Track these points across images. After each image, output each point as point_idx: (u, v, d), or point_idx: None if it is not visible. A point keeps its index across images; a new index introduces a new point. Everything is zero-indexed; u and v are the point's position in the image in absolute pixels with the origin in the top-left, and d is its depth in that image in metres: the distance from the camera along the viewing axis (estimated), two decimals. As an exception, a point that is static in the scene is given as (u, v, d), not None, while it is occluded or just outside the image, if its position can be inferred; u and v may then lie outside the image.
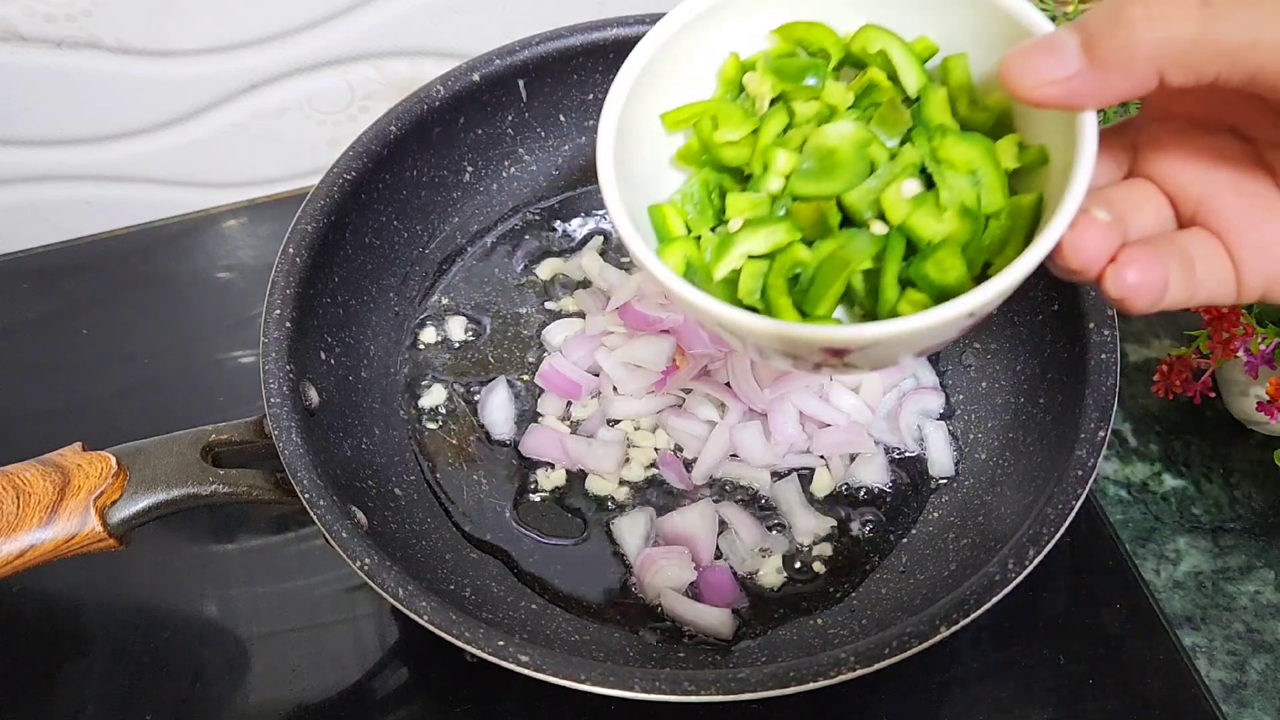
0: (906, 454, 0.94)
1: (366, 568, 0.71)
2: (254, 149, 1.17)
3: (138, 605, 0.93)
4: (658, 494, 0.93)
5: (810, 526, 0.90)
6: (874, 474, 0.93)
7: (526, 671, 0.67)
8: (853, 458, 0.93)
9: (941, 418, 0.95)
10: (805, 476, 0.93)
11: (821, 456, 0.93)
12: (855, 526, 0.91)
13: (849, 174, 0.58)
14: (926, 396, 0.96)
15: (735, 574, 0.88)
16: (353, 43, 1.09)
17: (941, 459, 0.93)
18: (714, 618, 0.84)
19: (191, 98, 1.10)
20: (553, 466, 0.94)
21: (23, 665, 0.91)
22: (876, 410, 0.95)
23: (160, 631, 0.92)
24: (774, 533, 0.90)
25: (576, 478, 0.94)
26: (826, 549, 0.89)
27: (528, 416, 0.97)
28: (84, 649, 0.91)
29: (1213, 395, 0.97)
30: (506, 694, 0.87)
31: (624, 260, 1.05)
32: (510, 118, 1.04)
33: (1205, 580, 0.93)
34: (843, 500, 0.92)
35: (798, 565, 0.89)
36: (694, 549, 0.88)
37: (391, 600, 0.70)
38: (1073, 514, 0.73)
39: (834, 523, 0.90)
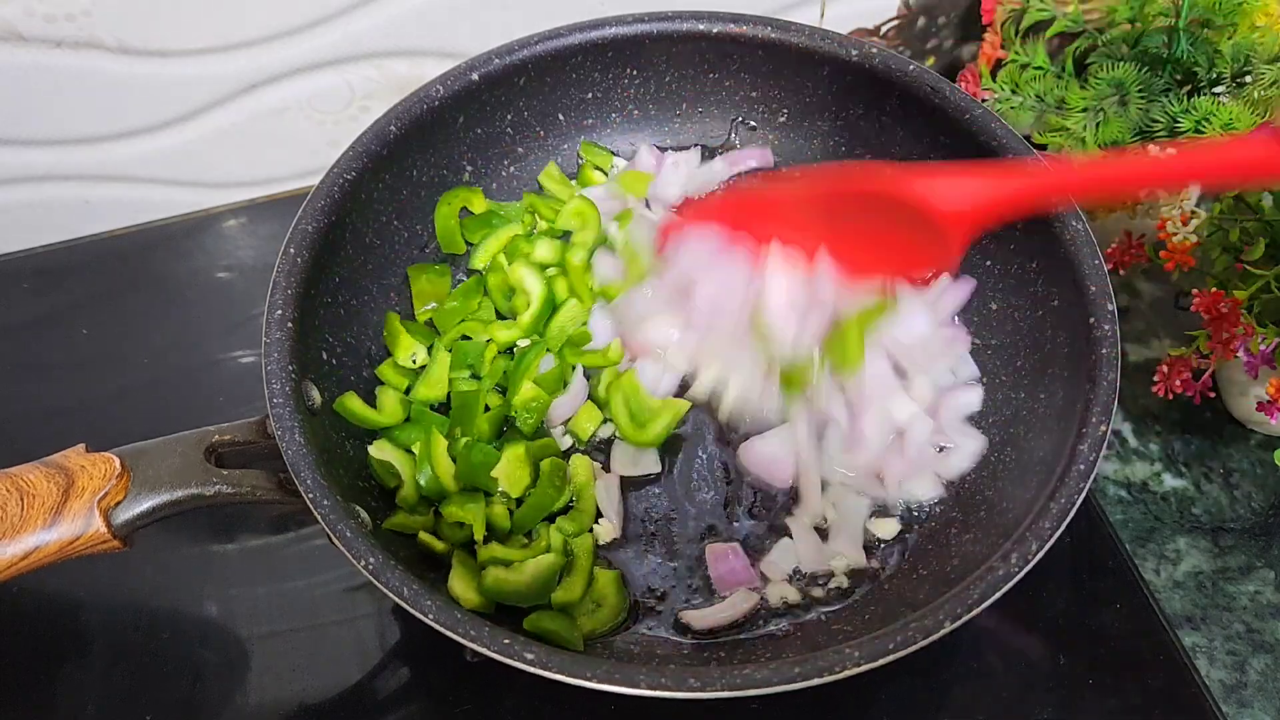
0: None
1: (371, 567, 0.71)
2: (254, 149, 1.17)
3: (138, 605, 0.93)
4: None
5: (848, 556, 0.88)
6: (927, 489, 0.91)
7: (533, 669, 0.67)
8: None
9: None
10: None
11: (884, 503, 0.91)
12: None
13: None
14: (967, 393, 0.95)
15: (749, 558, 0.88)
16: (353, 43, 1.09)
17: (962, 465, 0.91)
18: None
19: (191, 98, 1.10)
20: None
21: (23, 665, 0.90)
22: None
23: (160, 631, 0.92)
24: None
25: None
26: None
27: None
28: (84, 649, 0.91)
29: (1213, 395, 0.98)
30: (506, 694, 0.87)
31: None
32: (509, 117, 1.04)
33: (1205, 580, 0.93)
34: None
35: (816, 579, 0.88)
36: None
37: (396, 599, 0.70)
38: (1075, 508, 0.73)
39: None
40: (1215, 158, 0.66)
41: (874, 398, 0.92)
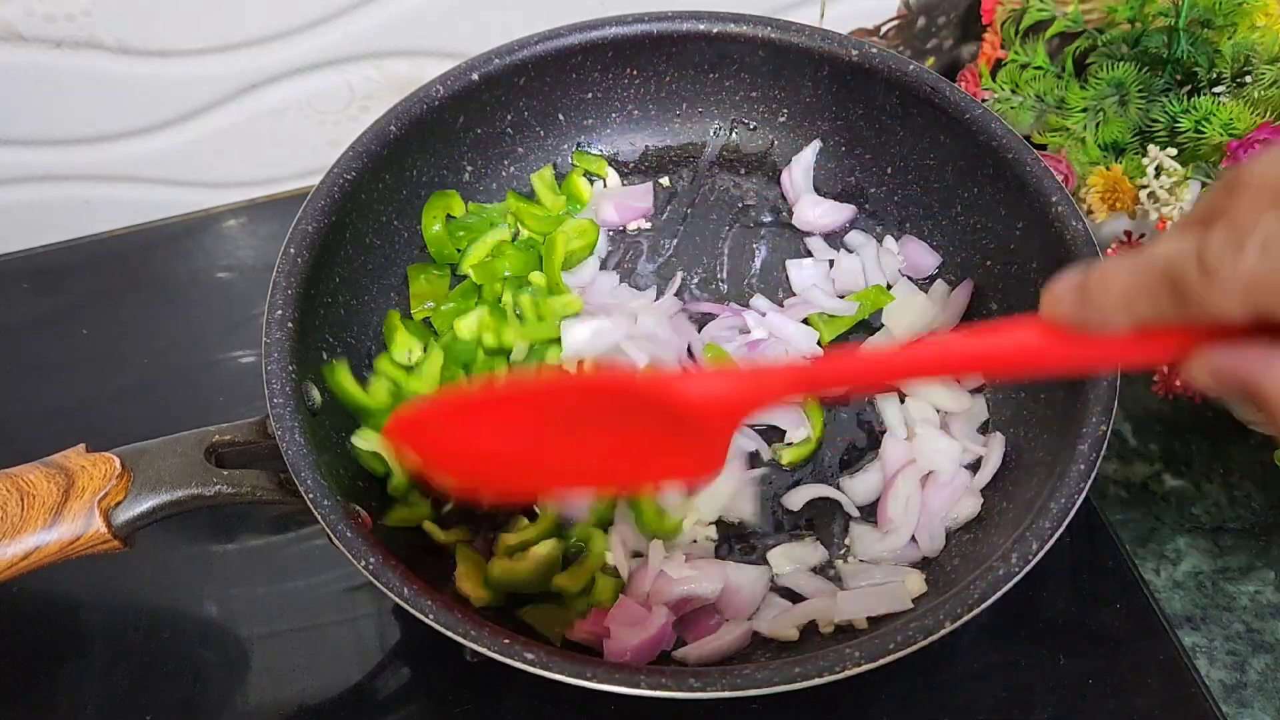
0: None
1: (371, 567, 0.71)
2: (254, 149, 1.17)
3: (138, 605, 0.93)
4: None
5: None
6: (970, 507, 0.89)
7: (533, 670, 0.67)
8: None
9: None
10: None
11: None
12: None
13: None
14: (975, 402, 0.94)
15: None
16: (353, 43, 1.09)
17: (994, 469, 0.90)
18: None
19: (191, 98, 1.10)
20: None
21: (23, 665, 0.91)
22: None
23: (160, 631, 0.92)
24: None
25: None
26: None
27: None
28: (84, 649, 0.91)
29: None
30: (507, 694, 0.87)
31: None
32: (509, 117, 1.04)
33: (1205, 580, 0.93)
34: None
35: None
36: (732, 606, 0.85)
37: (396, 599, 0.70)
38: (1075, 508, 0.73)
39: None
40: (984, 345, 0.55)
41: (897, 469, 0.90)
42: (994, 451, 0.89)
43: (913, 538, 0.87)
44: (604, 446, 0.66)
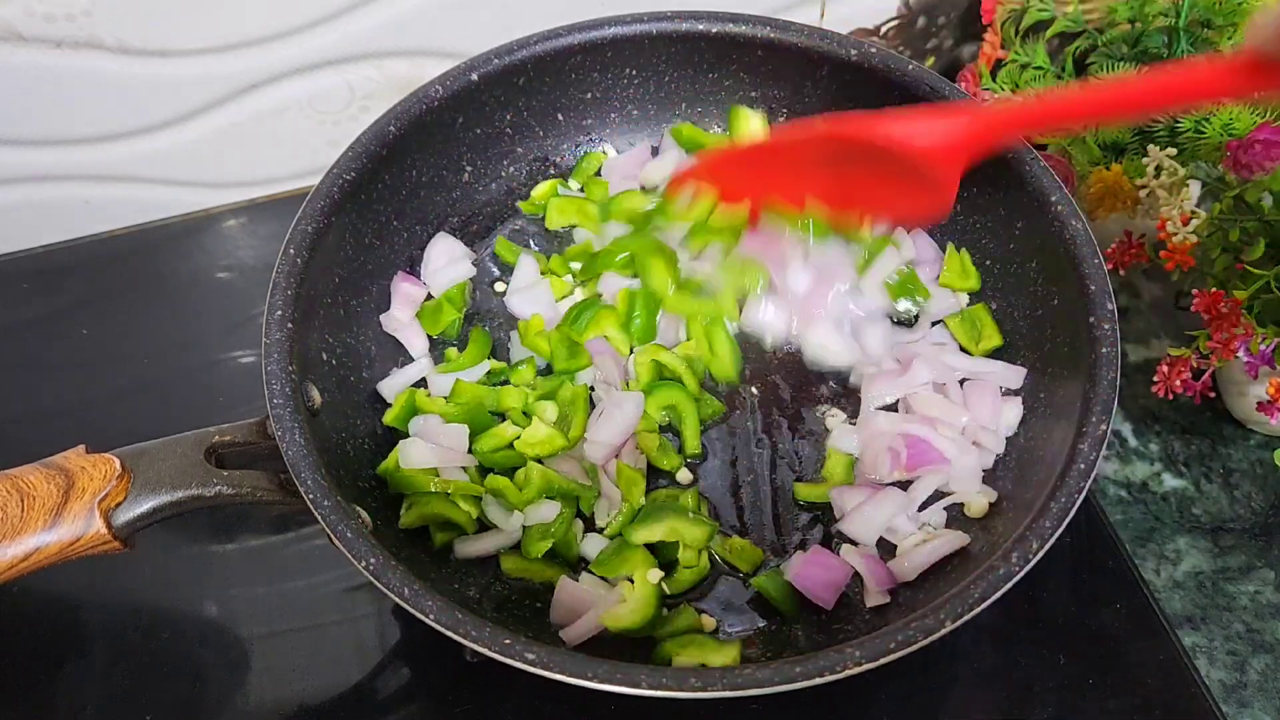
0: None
1: (372, 567, 0.71)
2: (254, 149, 1.17)
3: (138, 605, 0.93)
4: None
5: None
6: (1014, 413, 0.91)
7: (534, 670, 0.67)
8: None
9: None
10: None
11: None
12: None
13: None
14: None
15: None
16: (353, 43, 1.09)
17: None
18: None
19: (191, 98, 1.10)
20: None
21: (23, 665, 0.91)
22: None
23: (160, 631, 0.92)
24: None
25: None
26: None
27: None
28: (84, 649, 0.91)
29: (1213, 395, 0.98)
30: (507, 694, 0.87)
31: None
32: (509, 117, 1.04)
33: (1205, 580, 0.93)
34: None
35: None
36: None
37: (397, 599, 0.70)
38: (1075, 508, 0.73)
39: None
40: (1173, 81, 0.67)
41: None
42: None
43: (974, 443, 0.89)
44: (849, 179, 0.83)
